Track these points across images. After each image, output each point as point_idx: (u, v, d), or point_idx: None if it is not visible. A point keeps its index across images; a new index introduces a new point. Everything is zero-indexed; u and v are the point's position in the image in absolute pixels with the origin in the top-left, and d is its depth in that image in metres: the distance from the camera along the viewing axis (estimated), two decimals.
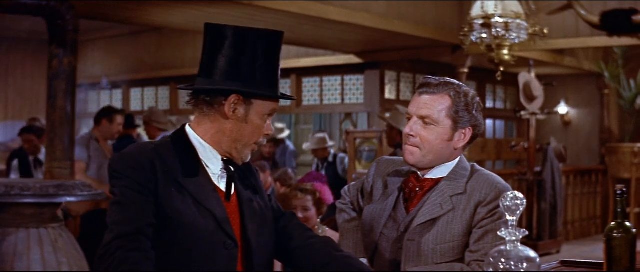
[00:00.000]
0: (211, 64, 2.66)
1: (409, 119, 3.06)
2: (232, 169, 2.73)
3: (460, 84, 3.07)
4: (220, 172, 2.72)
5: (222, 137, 2.70)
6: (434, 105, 3.00)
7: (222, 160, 2.72)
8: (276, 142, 12.38)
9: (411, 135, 3.01)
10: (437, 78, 3.07)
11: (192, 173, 2.64)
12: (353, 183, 3.46)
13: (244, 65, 2.64)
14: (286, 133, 13.30)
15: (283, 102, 12.06)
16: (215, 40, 2.66)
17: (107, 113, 8.16)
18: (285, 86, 13.88)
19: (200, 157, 2.69)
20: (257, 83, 2.65)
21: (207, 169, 2.69)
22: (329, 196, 5.52)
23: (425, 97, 3.02)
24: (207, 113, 2.70)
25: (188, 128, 2.75)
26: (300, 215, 5.16)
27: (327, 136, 11.41)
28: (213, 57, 2.66)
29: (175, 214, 2.56)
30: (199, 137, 2.71)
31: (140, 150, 2.66)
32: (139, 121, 13.03)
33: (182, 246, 2.57)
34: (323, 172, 10.66)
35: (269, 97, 2.68)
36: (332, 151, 11.41)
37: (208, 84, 2.66)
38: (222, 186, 2.71)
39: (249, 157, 2.77)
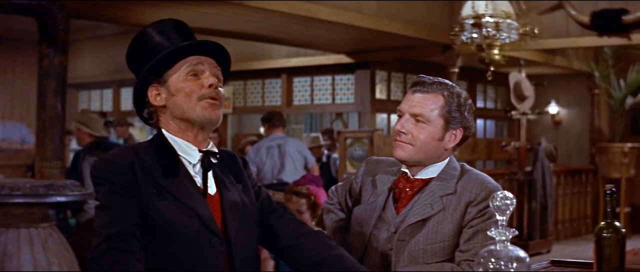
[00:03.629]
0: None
1: (400, 117, 3.06)
2: (212, 161, 2.72)
3: (453, 85, 3.08)
4: (197, 162, 2.71)
5: (177, 123, 2.71)
6: (427, 104, 3.00)
7: (200, 151, 2.72)
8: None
9: (402, 132, 3.01)
10: (431, 77, 3.08)
11: (173, 173, 2.64)
12: (341, 183, 3.46)
13: (138, 58, 2.79)
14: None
15: (274, 102, 12.05)
16: (132, 53, 2.86)
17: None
18: (276, 86, 13.89)
19: (180, 154, 2.70)
20: (152, 58, 2.70)
21: (188, 167, 2.69)
22: (324, 199, 5.53)
23: (418, 95, 3.03)
24: (155, 118, 2.76)
25: (163, 129, 2.76)
26: None
27: (320, 136, 11.42)
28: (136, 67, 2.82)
29: (158, 215, 2.57)
30: (171, 135, 2.72)
31: (119, 155, 2.66)
32: (130, 120, 13.05)
33: (168, 247, 2.57)
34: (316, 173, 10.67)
35: (165, 57, 2.68)
36: (326, 151, 11.41)
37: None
38: (201, 182, 2.71)
39: (212, 117, 2.71)
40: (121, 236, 2.48)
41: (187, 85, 2.67)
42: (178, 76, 2.68)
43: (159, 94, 2.71)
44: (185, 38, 2.74)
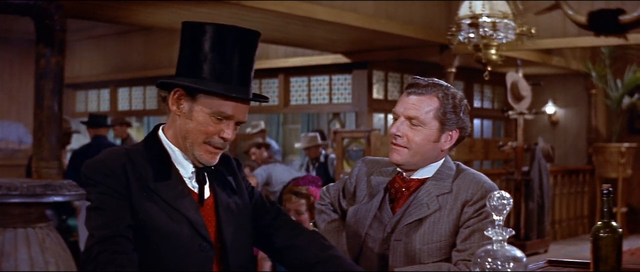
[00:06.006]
0: (178, 63, 2.66)
1: (395, 119, 3.05)
2: (205, 171, 2.70)
3: (449, 85, 3.06)
4: (191, 175, 2.69)
5: (177, 136, 2.67)
6: (422, 106, 2.99)
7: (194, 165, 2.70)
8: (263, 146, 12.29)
9: (398, 135, 3.00)
10: (425, 79, 3.06)
11: (164, 177, 2.62)
12: (332, 184, 3.45)
13: (195, 61, 2.59)
14: (261, 126, 13.14)
15: (271, 102, 12.06)
16: (182, 39, 2.64)
17: None
18: (273, 86, 13.88)
19: (173, 161, 2.68)
20: (207, 79, 2.58)
21: (180, 172, 2.68)
22: None
23: (413, 97, 3.01)
24: (168, 112, 2.69)
25: (160, 132, 2.74)
26: (293, 218, 5.18)
27: (318, 135, 11.40)
28: (179, 55, 2.65)
29: (148, 219, 2.56)
30: (168, 141, 2.70)
31: (111, 156, 2.64)
32: (128, 120, 13.04)
33: (157, 250, 2.57)
34: (314, 173, 10.66)
35: (212, 93, 2.58)
36: (324, 151, 11.40)
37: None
38: (197, 189, 2.70)
39: (208, 160, 2.67)
40: (114, 238, 2.48)
41: (206, 123, 2.61)
42: (206, 109, 2.60)
43: (180, 103, 2.63)
44: (245, 70, 2.64)
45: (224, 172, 2.79)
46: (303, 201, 5.43)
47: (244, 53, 2.65)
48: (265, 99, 2.80)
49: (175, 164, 2.68)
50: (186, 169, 2.69)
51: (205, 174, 2.71)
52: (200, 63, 2.59)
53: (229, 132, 2.63)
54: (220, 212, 2.70)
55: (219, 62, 2.59)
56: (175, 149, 2.69)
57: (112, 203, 2.54)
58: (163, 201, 2.59)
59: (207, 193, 2.72)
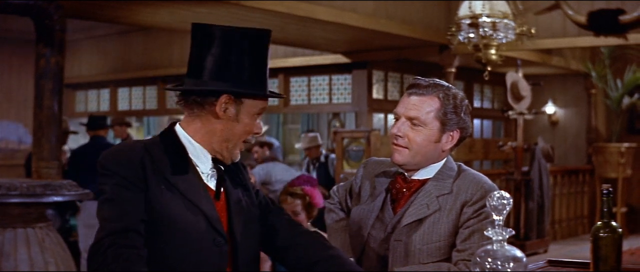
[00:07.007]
0: (199, 64, 2.64)
1: (396, 120, 3.05)
2: (222, 168, 2.73)
3: (450, 86, 3.06)
4: (210, 172, 2.71)
5: (212, 137, 2.68)
6: (423, 106, 2.99)
7: (212, 159, 2.71)
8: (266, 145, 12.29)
9: (399, 135, 3.00)
10: (426, 79, 3.06)
11: (182, 171, 2.63)
12: (342, 184, 3.46)
13: (232, 65, 2.62)
14: (265, 128, 13.19)
15: (270, 102, 12.14)
16: (202, 40, 2.65)
17: None
18: (273, 86, 13.86)
19: (190, 156, 2.68)
20: (246, 82, 2.63)
21: (196, 167, 2.68)
22: (319, 200, 5.54)
23: (414, 98, 3.01)
24: (198, 114, 2.68)
25: (178, 127, 2.73)
26: None
27: (318, 135, 11.40)
28: (201, 57, 2.64)
29: (165, 211, 2.56)
30: (189, 137, 2.70)
31: (129, 147, 2.66)
32: (128, 120, 13.05)
33: (172, 243, 2.57)
34: (314, 173, 10.64)
35: (259, 96, 2.68)
36: (324, 151, 11.39)
37: (197, 85, 2.64)
38: (212, 184, 2.71)
39: (238, 157, 2.76)
40: (125, 232, 2.47)
41: (251, 123, 2.71)
42: (253, 110, 2.70)
43: (227, 108, 2.66)
44: (260, 60, 2.71)
45: (235, 169, 2.81)
46: (299, 202, 5.44)
47: (265, 53, 2.74)
48: (281, 95, 2.98)
49: (193, 159, 2.69)
50: (205, 165, 2.71)
51: (223, 172, 2.73)
52: (237, 67, 2.64)
53: (261, 126, 2.77)
54: (232, 207, 2.72)
55: (254, 65, 2.67)
56: (196, 144, 2.70)
57: (127, 195, 2.54)
58: (180, 194, 2.59)
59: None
